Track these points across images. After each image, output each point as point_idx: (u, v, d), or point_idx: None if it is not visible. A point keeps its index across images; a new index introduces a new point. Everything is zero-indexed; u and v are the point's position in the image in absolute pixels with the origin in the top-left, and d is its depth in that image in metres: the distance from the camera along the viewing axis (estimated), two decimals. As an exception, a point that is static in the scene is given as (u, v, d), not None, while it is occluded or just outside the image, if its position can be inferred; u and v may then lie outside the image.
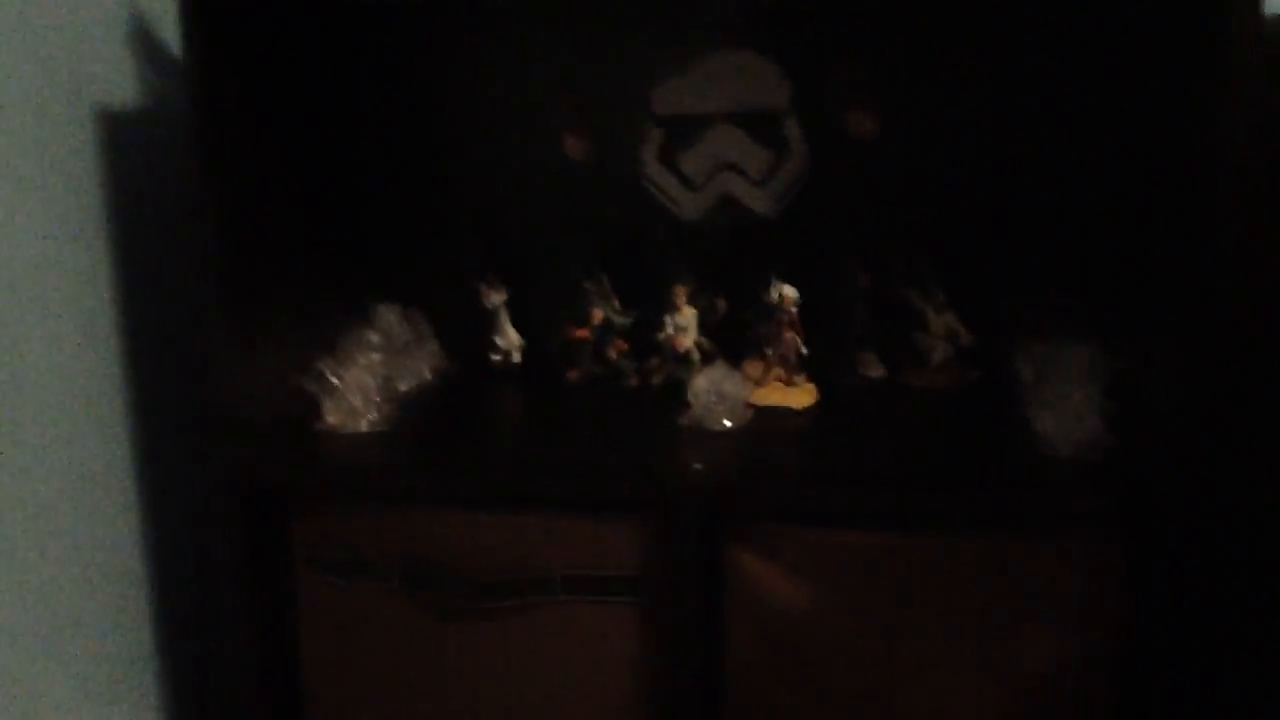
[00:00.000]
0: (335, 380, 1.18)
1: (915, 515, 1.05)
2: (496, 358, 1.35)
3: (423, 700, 1.14)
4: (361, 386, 1.19)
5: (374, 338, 1.24)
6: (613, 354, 1.30)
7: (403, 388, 1.29)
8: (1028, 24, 1.29)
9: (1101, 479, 1.04)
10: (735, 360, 1.27)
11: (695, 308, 1.28)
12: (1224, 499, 1.00)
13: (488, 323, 1.36)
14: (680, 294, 1.26)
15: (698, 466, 1.07)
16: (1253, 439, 1.08)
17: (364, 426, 1.18)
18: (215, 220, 1.07)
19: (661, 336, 1.29)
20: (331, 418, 1.18)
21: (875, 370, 1.30)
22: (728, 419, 1.16)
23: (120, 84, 1.19)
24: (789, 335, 1.23)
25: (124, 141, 1.19)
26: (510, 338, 1.35)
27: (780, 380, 1.25)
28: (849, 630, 1.06)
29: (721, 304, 1.30)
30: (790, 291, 1.22)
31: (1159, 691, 1.05)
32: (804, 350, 1.25)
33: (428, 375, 1.34)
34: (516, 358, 1.35)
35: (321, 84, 1.31)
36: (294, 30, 1.21)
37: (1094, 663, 1.05)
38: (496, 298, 1.33)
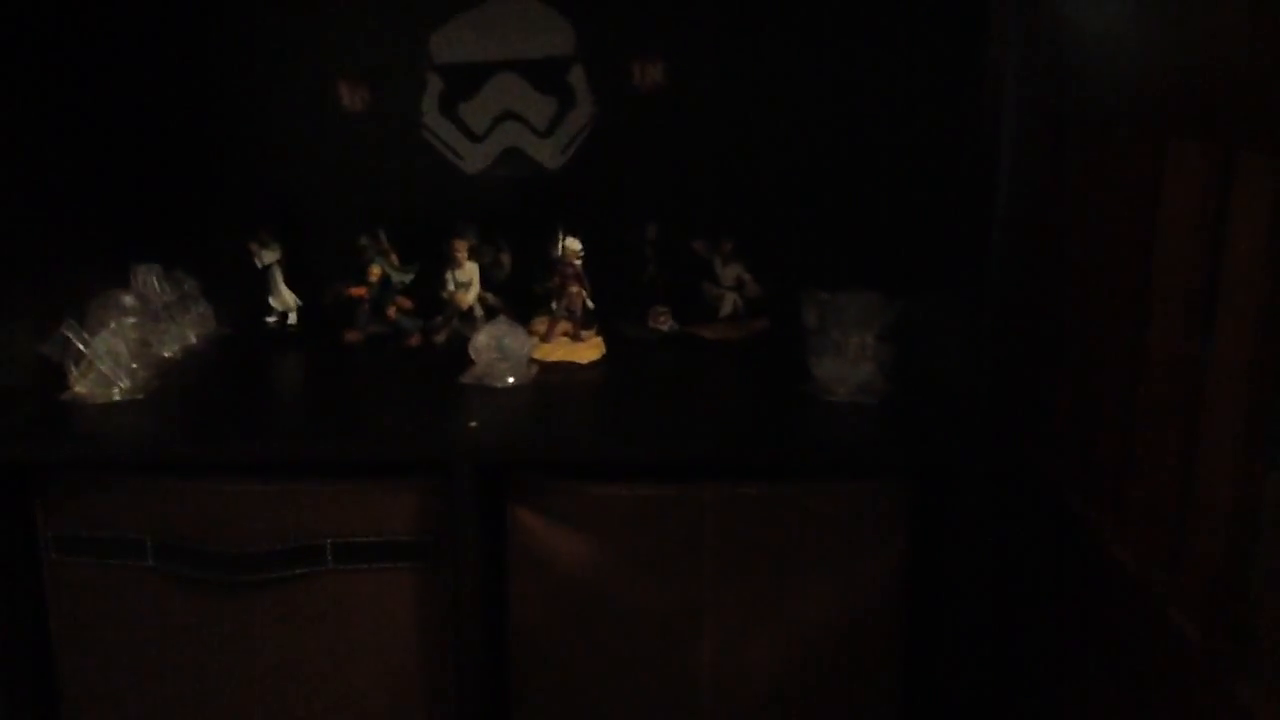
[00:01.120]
0: (81, 346, 1.08)
1: (698, 466, 1.04)
2: (270, 319, 1.28)
3: (188, 682, 1.06)
4: (112, 353, 1.10)
5: (128, 299, 1.14)
6: (392, 312, 1.24)
7: (166, 353, 1.21)
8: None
9: (876, 423, 1.06)
10: (524, 317, 1.23)
11: (479, 262, 1.24)
12: (998, 443, 1.03)
13: (261, 283, 1.28)
14: (460, 248, 1.21)
15: (473, 424, 1.03)
16: (1026, 384, 1.11)
17: (116, 395, 1.09)
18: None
19: (444, 293, 1.24)
20: (79, 387, 1.09)
21: (665, 323, 1.29)
22: (511, 376, 1.13)
23: None
24: (574, 289, 1.21)
25: None
26: (285, 298, 1.27)
27: (567, 335, 1.22)
28: (636, 585, 1.05)
29: (506, 258, 1.26)
30: (574, 243, 1.19)
31: (944, 630, 1.08)
32: (590, 304, 1.22)
33: (194, 339, 1.26)
34: (292, 319, 1.28)
35: (79, 27, 1.20)
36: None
37: (881, 605, 1.06)
38: (269, 256, 1.26)
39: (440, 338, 1.25)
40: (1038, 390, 1.05)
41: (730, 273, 1.28)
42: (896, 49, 1.28)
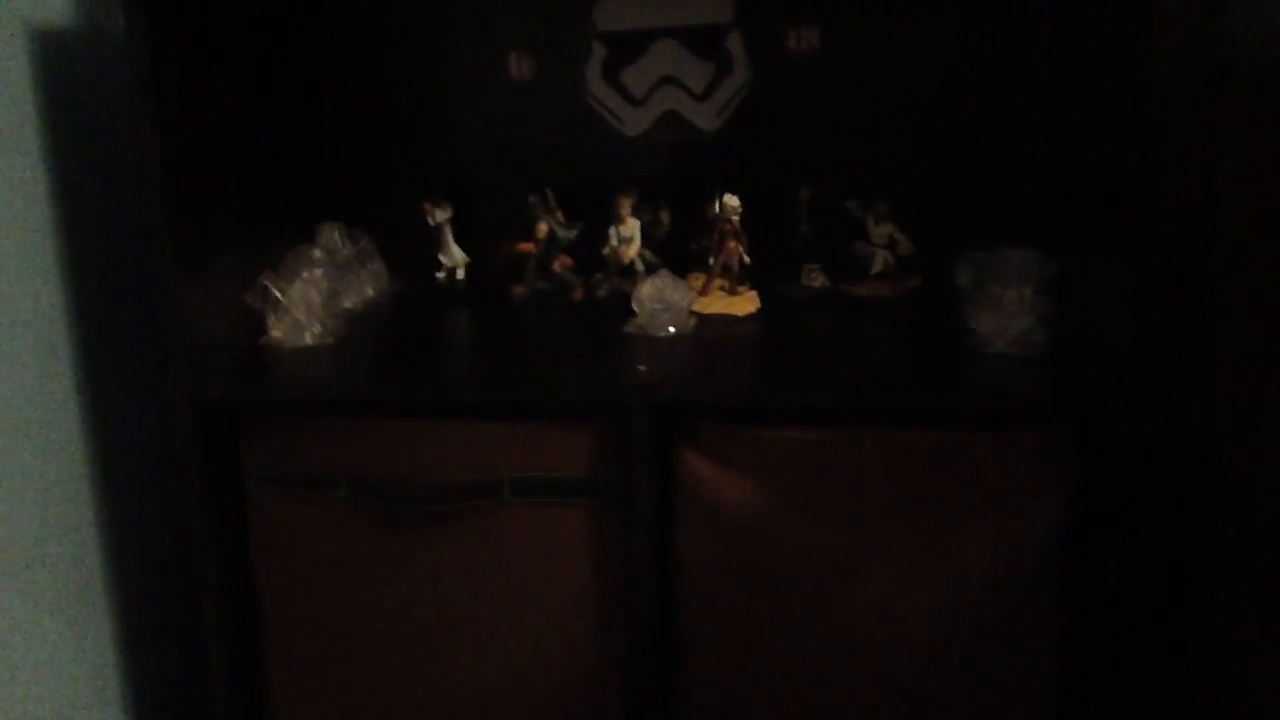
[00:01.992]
0: (279, 295, 1.17)
1: (859, 412, 1.07)
2: (441, 275, 1.35)
3: (377, 607, 1.15)
4: (306, 301, 1.18)
5: (317, 253, 1.23)
6: (558, 267, 1.30)
7: (347, 304, 1.29)
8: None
9: (1036, 373, 1.08)
10: (680, 274, 1.28)
11: (639, 220, 1.29)
12: (1159, 395, 1.04)
13: (433, 241, 1.35)
14: (624, 205, 1.27)
15: (642, 368, 1.08)
16: (1188, 338, 1.11)
17: (309, 340, 1.18)
18: (158, 141, 1.05)
19: (606, 249, 1.30)
20: (276, 332, 1.18)
21: (818, 280, 1.32)
22: (672, 326, 1.18)
23: (56, 3, 1.16)
24: (732, 244, 1.25)
25: (63, 61, 1.16)
26: (454, 254, 1.35)
27: (723, 289, 1.27)
28: (798, 528, 1.09)
29: (665, 216, 1.31)
30: (732, 200, 1.23)
31: (1101, 582, 1.09)
32: (747, 259, 1.26)
33: (371, 293, 1.34)
34: (461, 274, 1.36)
35: (263, 2, 1.29)
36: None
37: (1040, 555, 1.08)
38: (441, 215, 1.33)
39: (602, 292, 1.31)
40: (1200, 344, 1.06)
41: (882, 231, 1.31)
42: (1053, 7, 1.29)
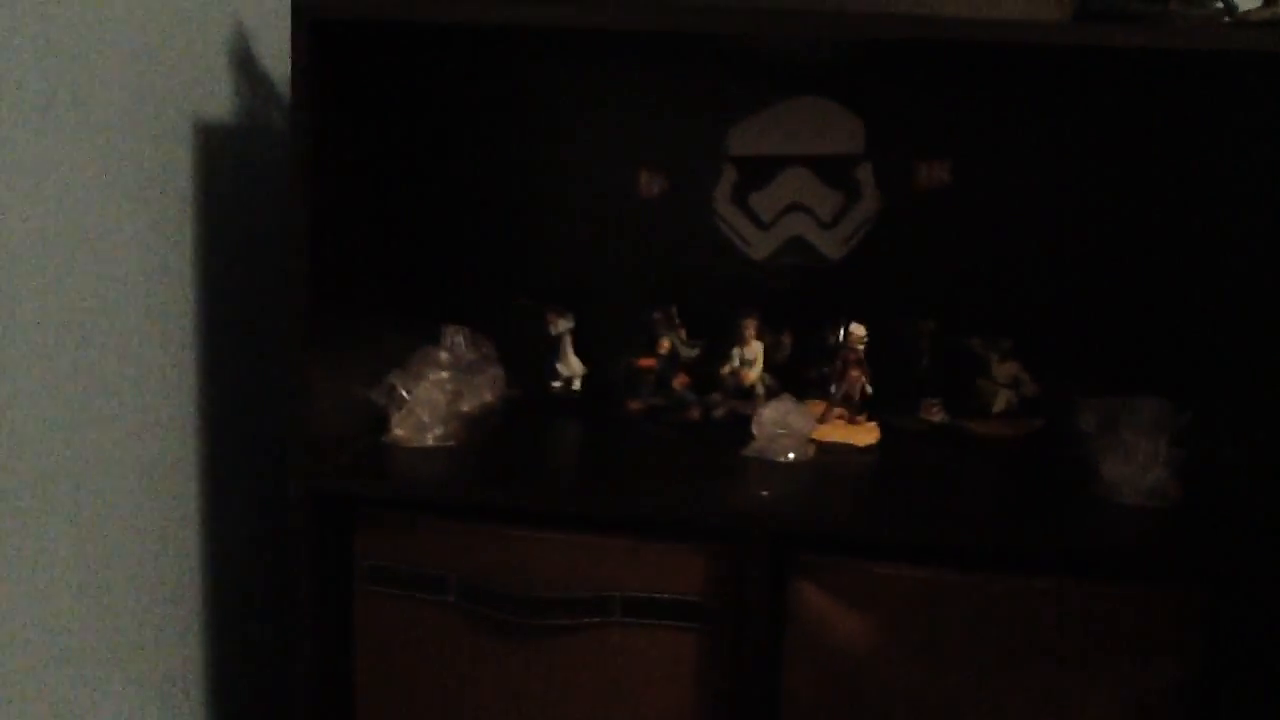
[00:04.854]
0: (405, 394, 1.19)
1: (980, 554, 1.04)
2: (557, 384, 1.36)
3: (475, 715, 1.13)
4: (429, 402, 1.20)
5: (443, 355, 1.25)
6: (676, 385, 1.31)
7: (466, 408, 1.30)
8: (1101, 82, 1.31)
9: (1171, 527, 1.04)
10: (797, 400, 1.27)
11: (763, 343, 1.29)
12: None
13: (552, 350, 1.37)
14: (749, 327, 1.27)
15: (765, 493, 1.07)
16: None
17: (430, 441, 1.19)
18: (306, 238, 1.09)
19: (726, 370, 1.30)
20: (399, 430, 1.20)
21: (937, 415, 1.30)
22: (792, 452, 1.17)
23: (221, 98, 1.22)
24: (854, 373, 1.24)
25: (221, 157, 1.22)
26: (572, 365, 1.36)
27: (843, 419, 1.26)
28: (910, 669, 1.05)
29: (787, 341, 1.31)
30: (858, 329, 1.23)
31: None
32: (869, 389, 1.25)
33: (490, 398, 1.35)
34: (577, 385, 1.37)
35: (411, 111, 1.34)
36: (390, 58, 1.25)
37: (1159, 716, 1.03)
38: (562, 324, 1.35)
39: (719, 412, 1.30)
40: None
41: (1006, 370, 1.29)
42: (1191, 156, 1.28)
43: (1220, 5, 0.99)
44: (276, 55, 1.29)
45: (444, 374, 1.23)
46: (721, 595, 1.07)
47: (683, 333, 1.31)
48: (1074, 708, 1.04)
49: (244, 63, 1.25)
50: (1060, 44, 0.92)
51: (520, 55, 1.41)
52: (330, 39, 1.08)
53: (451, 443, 1.20)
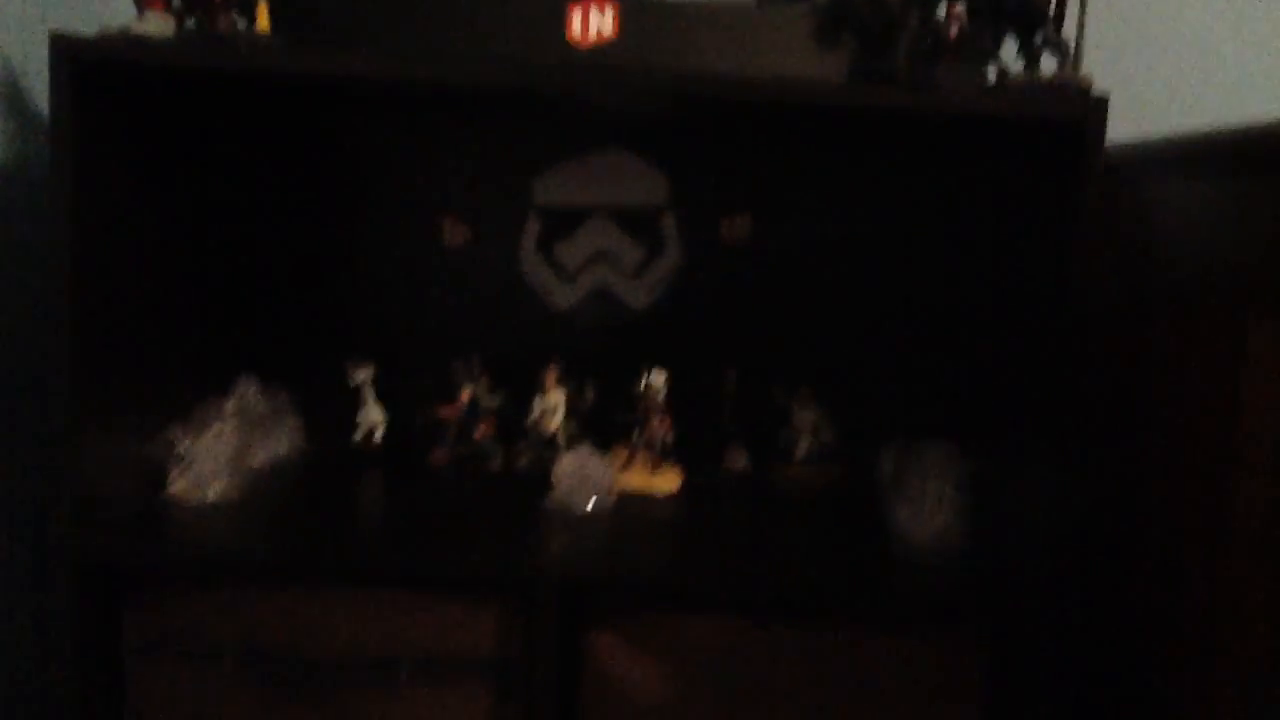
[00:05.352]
0: (184, 447, 1.13)
1: (774, 604, 1.05)
2: (358, 437, 1.32)
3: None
4: (211, 454, 1.14)
5: (229, 405, 1.19)
6: (479, 435, 1.28)
7: (257, 463, 1.25)
8: (894, 141, 1.36)
9: (953, 572, 1.07)
10: (603, 449, 1.26)
11: (564, 392, 1.28)
12: (1074, 593, 1.03)
13: (352, 400, 1.33)
14: (549, 375, 1.26)
15: (555, 545, 1.05)
16: (1101, 534, 1.12)
17: (211, 496, 1.13)
18: (71, 284, 1.02)
19: (529, 420, 1.28)
20: (177, 486, 1.13)
21: (740, 463, 1.32)
22: (591, 501, 1.15)
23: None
24: (656, 421, 1.24)
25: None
26: (372, 415, 1.32)
27: (646, 465, 1.25)
28: (706, 717, 1.05)
29: (590, 390, 1.30)
30: (658, 376, 1.23)
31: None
32: (670, 438, 1.25)
33: (284, 451, 1.30)
34: (378, 436, 1.32)
35: (193, 152, 1.28)
36: (167, 95, 1.20)
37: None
38: (362, 374, 1.31)
39: (523, 462, 1.28)
40: (1116, 550, 1.06)
41: (806, 418, 1.31)
42: (979, 216, 1.35)
43: (991, 68, 1.05)
44: (41, 88, 1.22)
45: (228, 425, 1.17)
46: (515, 651, 1.05)
47: (485, 381, 1.29)
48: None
49: (5, 96, 1.18)
50: (830, 103, 0.96)
51: (322, 100, 1.37)
52: (100, 72, 1.03)
53: (235, 496, 1.14)
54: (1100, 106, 0.97)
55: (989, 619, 1.07)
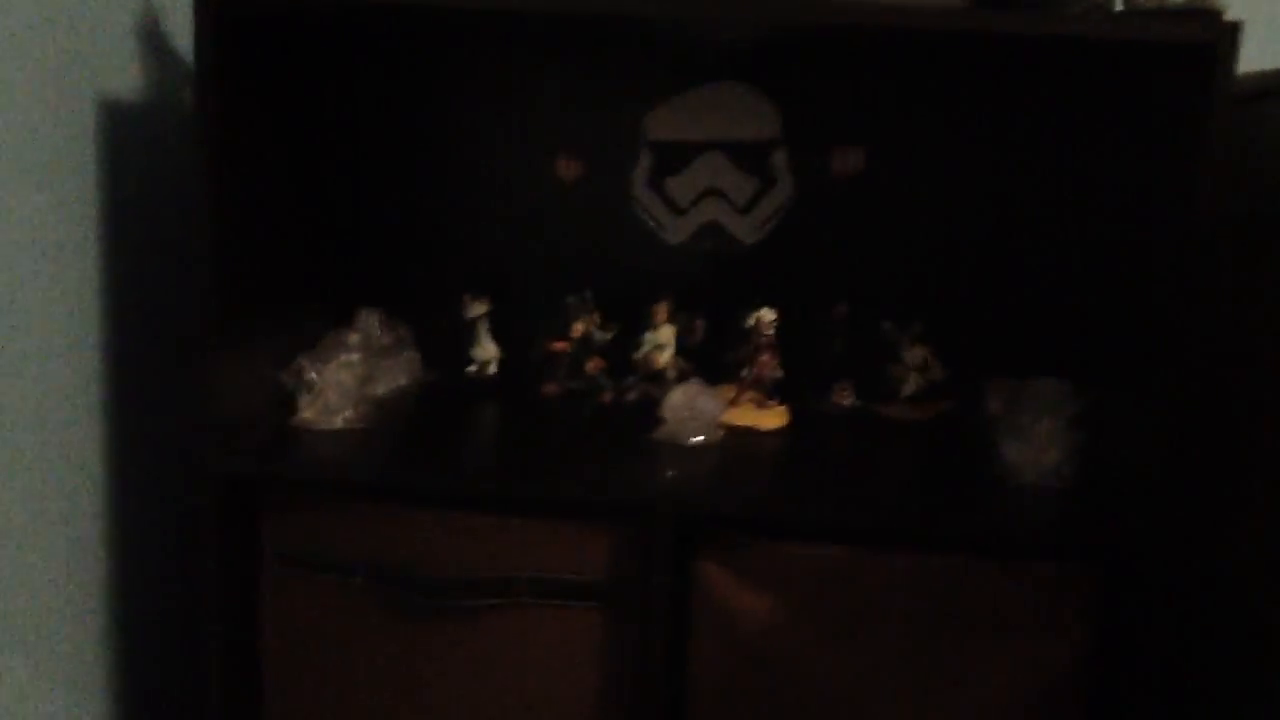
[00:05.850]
0: (313, 375, 1.19)
1: (880, 532, 1.06)
2: (472, 368, 1.36)
3: (383, 696, 1.13)
4: (338, 384, 1.19)
5: (354, 338, 1.24)
6: (590, 369, 1.31)
7: (380, 391, 1.30)
8: (1013, 72, 1.33)
9: (1064, 506, 1.06)
10: (712, 383, 1.28)
11: (674, 327, 1.30)
12: (1184, 529, 1.02)
13: (467, 334, 1.37)
14: (660, 311, 1.28)
15: (670, 474, 1.08)
16: (1210, 473, 1.10)
17: (339, 423, 1.19)
18: (212, 219, 1.08)
19: (639, 354, 1.31)
20: (307, 413, 1.19)
21: (848, 399, 1.32)
22: (700, 434, 1.17)
23: (127, 78, 1.20)
24: (765, 357, 1.25)
25: (126, 136, 1.20)
26: (487, 349, 1.35)
27: (753, 402, 1.27)
28: (813, 645, 1.07)
29: (700, 325, 1.31)
30: (768, 314, 1.24)
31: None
32: (779, 373, 1.26)
33: (404, 382, 1.35)
34: (493, 369, 1.36)
35: (323, 93, 1.33)
36: (301, 39, 1.24)
37: (1056, 687, 1.06)
38: (477, 309, 1.34)
39: (632, 396, 1.31)
40: (1227, 486, 1.04)
41: (915, 354, 1.30)
42: (1102, 147, 1.31)
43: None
44: (184, 33, 1.28)
45: (354, 356, 1.22)
46: (627, 576, 1.08)
47: (597, 317, 1.31)
48: (972, 682, 1.06)
49: (151, 40, 1.23)
50: (951, 29, 0.94)
51: (437, 38, 1.40)
52: (239, 18, 1.07)
53: (360, 425, 1.19)
54: (1232, 31, 0.94)
55: (1097, 554, 1.06)
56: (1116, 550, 1.06)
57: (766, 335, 1.25)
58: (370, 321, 1.31)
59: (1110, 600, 1.07)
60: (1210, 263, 1.00)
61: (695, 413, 1.17)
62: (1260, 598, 0.92)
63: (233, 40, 1.08)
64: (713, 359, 1.33)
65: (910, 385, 1.31)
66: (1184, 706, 1.10)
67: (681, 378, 1.27)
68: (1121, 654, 1.07)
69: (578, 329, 1.30)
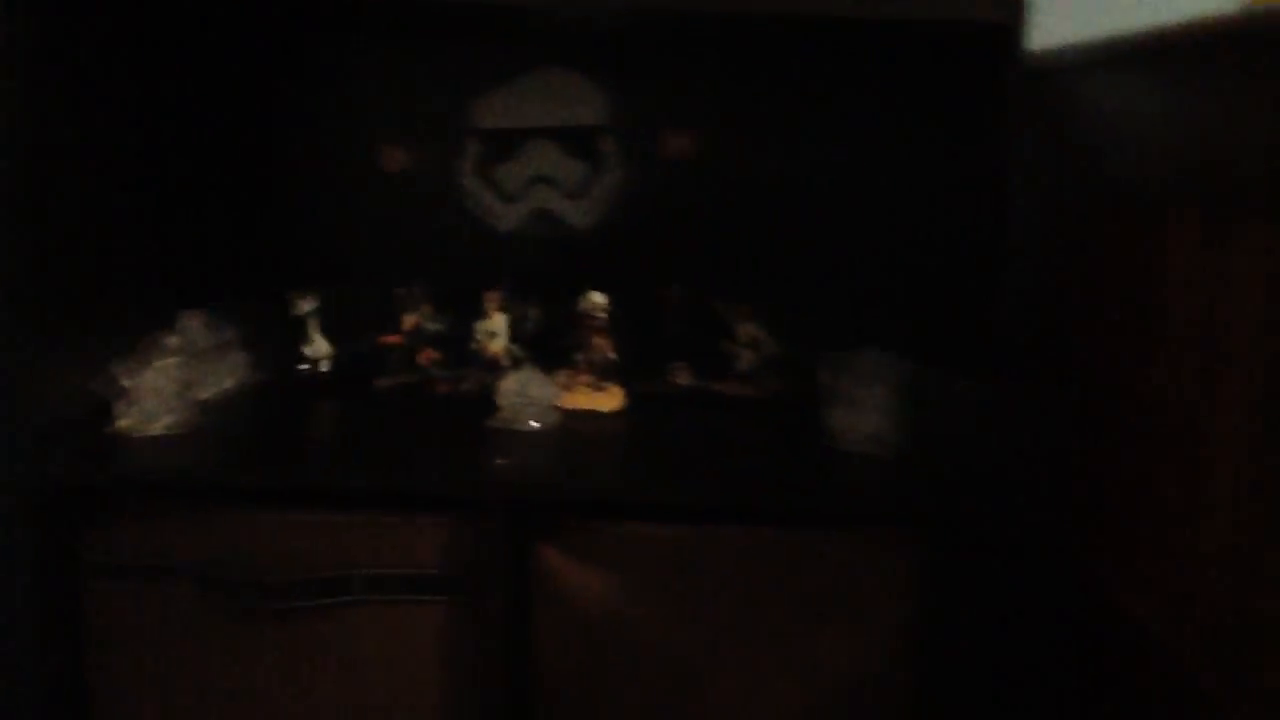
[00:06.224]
0: (128, 383, 1.14)
1: (715, 510, 1.07)
2: (304, 367, 1.33)
3: (221, 705, 1.09)
4: (155, 389, 1.15)
5: (173, 340, 1.20)
6: (423, 359, 1.29)
7: (204, 395, 1.25)
8: (834, 55, 1.37)
9: (890, 473, 1.10)
10: (550, 370, 1.28)
11: (508, 315, 1.29)
12: (1005, 496, 1.07)
13: (297, 331, 1.33)
14: (491, 300, 1.27)
15: (501, 461, 1.07)
16: (1035, 443, 1.15)
17: (158, 430, 1.14)
18: (16, 214, 1.02)
19: (473, 344, 1.30)
20: (123, 421, 1.14)
21: (684, 378, 1.33)
22: (535, 420, 1.17)
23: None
24: (598, 340, 1.26)
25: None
26: (318, 345, 1.32)
27: (589, 385, 1.27)
28: (655, 626, 1.08)
29: (534, 312, 1.31)
30: (598, 298, 1.25)
31: (953, 683, 1.10)
32: (612, 355, 1.27)
33: (230, 384, 1.30)
34: (325, 366, 1.33)
35: (137, 79, 1.27)
36: (113, 20, 1.18)
37: (892, 653, 1.09)
38: (306, 305, 1.31)
39: (467, 385, 1.30)
40: (1047, 449, 1.09)
41: (748, 332, 1.33)
42: (913, 126, 1.35)
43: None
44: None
45: (173, 360, 1.18)
46: (467, 567, 1.07)
47: (428, 308, 1.30)
48: (808, 653, 1.08)
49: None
50: (754, 10, 0.96)
51: (259, 25, 1.35)
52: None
53: (182, 431, 1.15)
54: (1019, 6, 0.98)
55: (922, 520, 1.10)
56: (941, 516, 1.10)
57: (598, 318, 1.25)
58: (191, 324, 1.26)
59: (938, 568, 1.10)
60: (1016, 233, 1.05)
61: (529, 398, 1.17)
62: (1089, 560, 0.97)
63: (43, 22, 1.03)
64: (548, 345, 1.33)
65: (744, 362, 1.33)
66: (1015, 669, 1.15)
67: (516, 365, 1.27)
68: (950, 620, 1.11)
69: (408, 321, 1.28)
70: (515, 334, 1.31)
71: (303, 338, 1.33)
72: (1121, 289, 0.91)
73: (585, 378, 1.27)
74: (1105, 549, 0.93)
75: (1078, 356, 1.04)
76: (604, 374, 1.27)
